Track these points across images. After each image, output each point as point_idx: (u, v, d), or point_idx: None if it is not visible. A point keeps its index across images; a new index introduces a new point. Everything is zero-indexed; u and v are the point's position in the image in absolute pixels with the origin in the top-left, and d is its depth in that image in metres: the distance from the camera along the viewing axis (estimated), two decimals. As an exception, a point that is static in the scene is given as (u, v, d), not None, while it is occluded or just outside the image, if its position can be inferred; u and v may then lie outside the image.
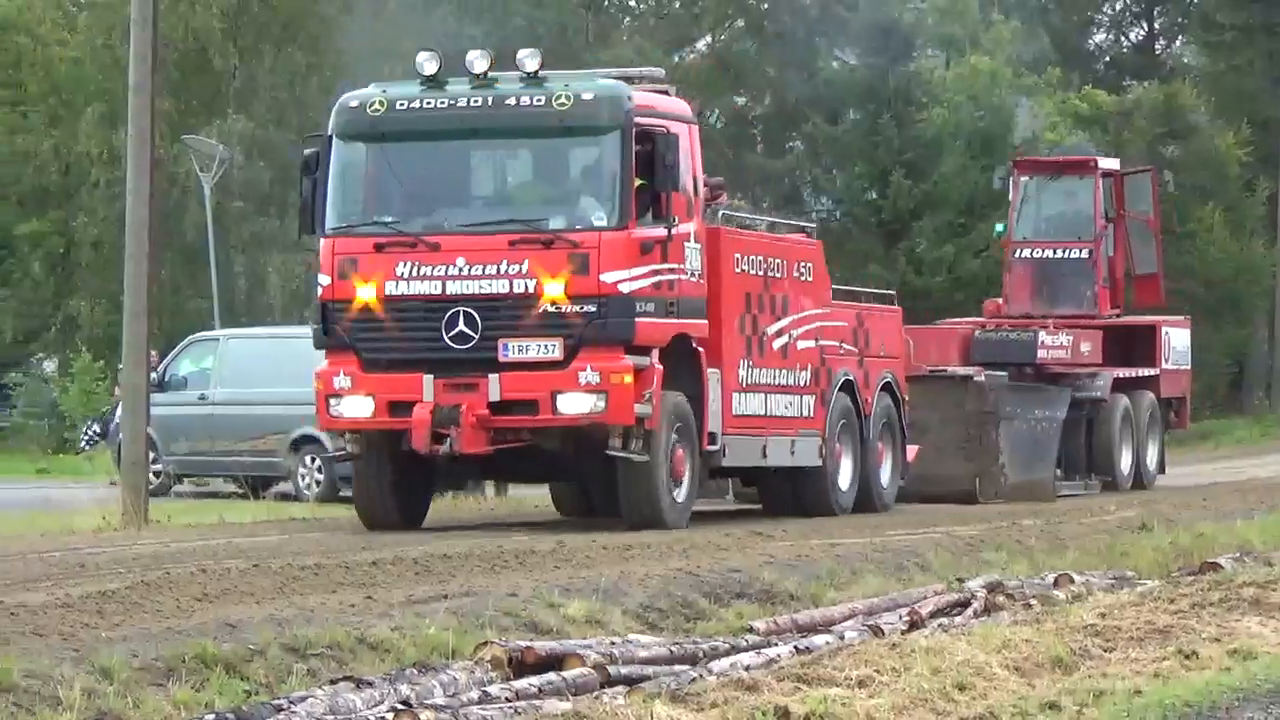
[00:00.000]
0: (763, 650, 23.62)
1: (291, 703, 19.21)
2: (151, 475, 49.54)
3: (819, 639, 24.58)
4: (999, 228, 56.67)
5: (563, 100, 32.04)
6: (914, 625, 25.81)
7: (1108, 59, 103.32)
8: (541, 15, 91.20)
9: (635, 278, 32.25)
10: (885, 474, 40.61)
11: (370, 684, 20.33)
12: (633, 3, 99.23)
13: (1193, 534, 36.54)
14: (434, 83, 32.86)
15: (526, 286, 31.60)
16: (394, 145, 33.00)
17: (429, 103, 32.74)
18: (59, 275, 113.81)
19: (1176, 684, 22.68)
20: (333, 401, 32.52)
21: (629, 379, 31.54)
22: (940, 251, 79.34)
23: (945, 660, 22.80)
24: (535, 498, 43.40)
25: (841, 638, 24.73)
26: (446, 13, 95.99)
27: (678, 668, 22.27)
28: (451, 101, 32.61)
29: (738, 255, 36.18)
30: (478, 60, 32.67)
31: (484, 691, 20.50)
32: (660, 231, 32.64)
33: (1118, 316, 50.84)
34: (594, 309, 31.44)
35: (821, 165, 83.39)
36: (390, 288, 31.93)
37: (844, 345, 39.38)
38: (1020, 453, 43.24)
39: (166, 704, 20.49)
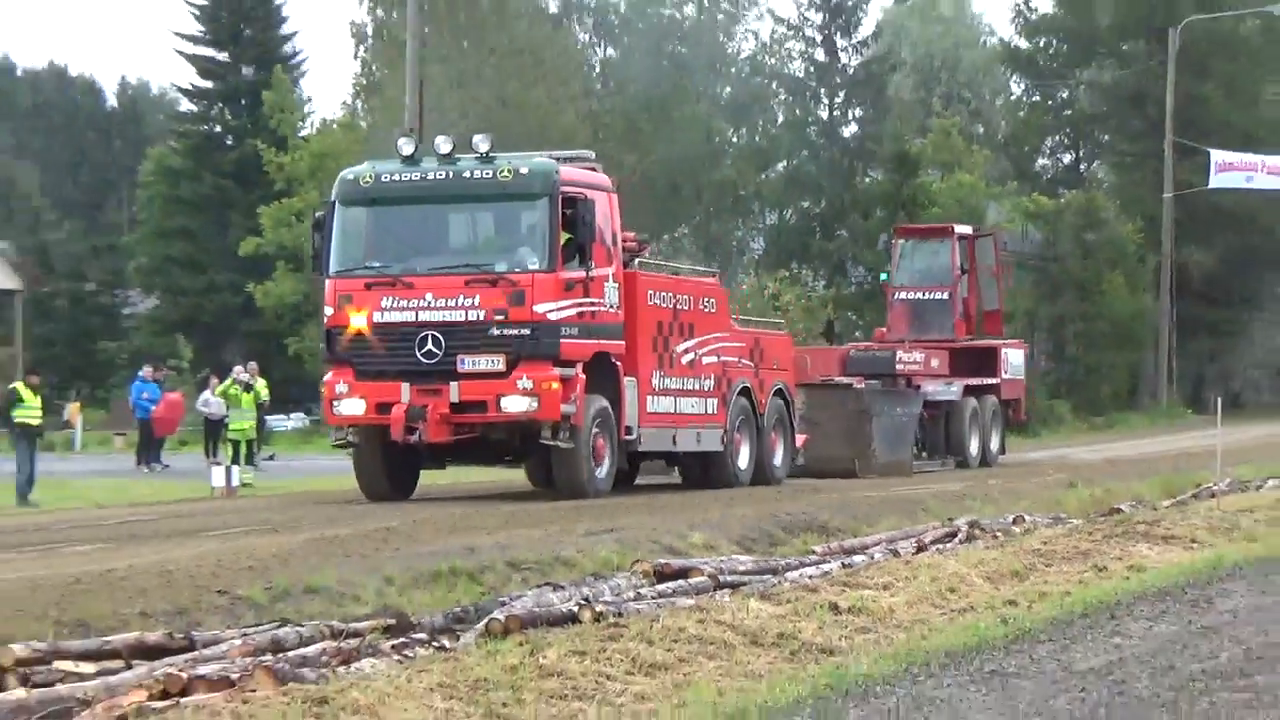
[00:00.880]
0: (820, 565, 23.72)
1: (511, 600, 19.37)
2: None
3: (857, 558, 24.69)
4: (884, 275, 56.14)
5: (505, 174, 31.77)
6: (920, 549, 25.79)
7: (1048, 176, 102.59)
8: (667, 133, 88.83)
9: (561, 309, 31.68)
10: (778, 457, 39.71)
11: (562, 587, 20.49)
12: (734, 138, 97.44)
13: (1103, 489, 36.48)
14: (410, 160, 32.66)
15: (478, 315, 31.42)
16: (379, 209, 32.84)
17: (405, 176, 32.57)
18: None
19: (1093, 588, 22.84)
20: (335, 403, 32.35)
21: (556, 385, 31.13)
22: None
23: (940, 572, 22.95)
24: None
25: (872, 557, 24.80)
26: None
27: (764, 576, 22.34)
28: (422, 175, 32.43)
29: (650, 292, 35.36)
30: (443, 143, 32.47)
31: (638, 592, 20.69)
32: (581, 273, 32.09)
33: (970, 341, 50.06)
34: (529, 332, 31.16)
35: (858, 245, 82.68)
36: (377, 316, 31.86)
37: (742, 360, 38.28)
38: (886, 440, 42.63)
39: (429, 600, 20.62)
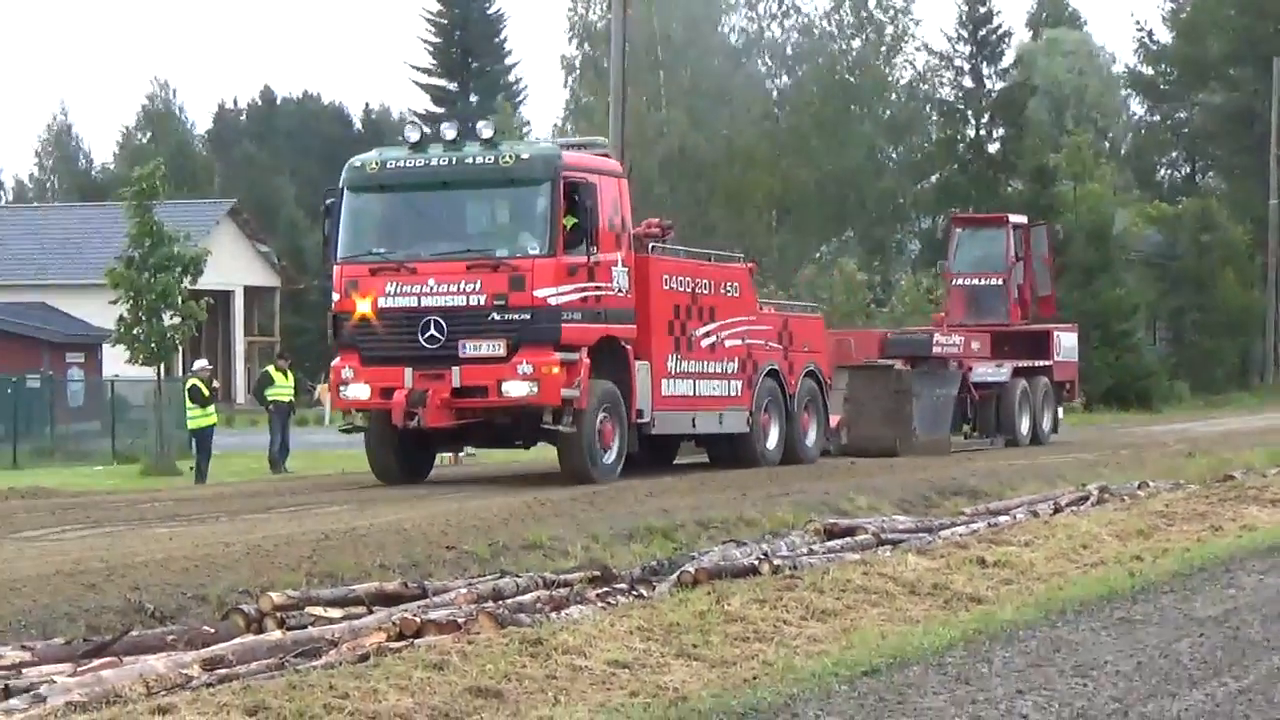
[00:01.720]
0: (969, 525, 23.56)
1: (700, 554, 19.33)
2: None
3: (1001, 519, 24.49)
4: (942, 263, 53.60)
5: (507, 159, 28.67)
6: (1056, 511, 25.54)
7: (1167, 185, 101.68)
8: (837, 150, 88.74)
9: (562, 293, 28.16)
10: (810, 437, 35.74)
11: (744, 544, 20.45)
12: (894, 154, 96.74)
13: (1218, 459, 35.73)
14: (417, 147, 29.54)
15: (479, 300, 28.08)
16: (385, 195, 29.72)
17: (411, 162, 29.40)
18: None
19: (1210, 545, 22.51)
20: (342, 387, 29.19)
21: (557, 370, 27.73)
22: (1076, 295, 77.56)
23: (1074, 531, 22.73)
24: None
25: (1014, 518, 24.58)
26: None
27: (920, 535, 22.24)
28: (426, 161, 29.27)
29: (665, 276, 31.58)
30: (448, 130, 29.73)
31: (810, 548, 20.62)
32: (584, 258, 28.53)
33: (1024, 325, 47.34)
34: (529, 317, 27.90)
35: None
36: (381, 302, 28.66)
37: (770, 343, 34.38)
38: (926, 419, 39.60)
39: (629, 555, 20.59)
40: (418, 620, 14.66)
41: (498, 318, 27.88)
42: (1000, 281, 46.55)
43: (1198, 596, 18.23)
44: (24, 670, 12.81)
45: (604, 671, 13.45)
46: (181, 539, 21.70)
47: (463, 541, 20.87)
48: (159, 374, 47.57)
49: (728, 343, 33.01)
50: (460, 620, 14.80)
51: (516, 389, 27.78)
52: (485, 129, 29.24)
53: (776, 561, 18.71)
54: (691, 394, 32.09)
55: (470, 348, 27.91)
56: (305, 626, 14.81)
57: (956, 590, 18.01)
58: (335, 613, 15.54)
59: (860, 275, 74.68)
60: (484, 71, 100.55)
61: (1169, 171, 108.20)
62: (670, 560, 19.25)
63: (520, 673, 13.05)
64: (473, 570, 18.81)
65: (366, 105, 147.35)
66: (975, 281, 47.29)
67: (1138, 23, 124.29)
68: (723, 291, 33.38)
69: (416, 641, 13.97)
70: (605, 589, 17.26)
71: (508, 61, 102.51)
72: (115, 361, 55.31)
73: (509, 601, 16.08)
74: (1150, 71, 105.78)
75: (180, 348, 51.32)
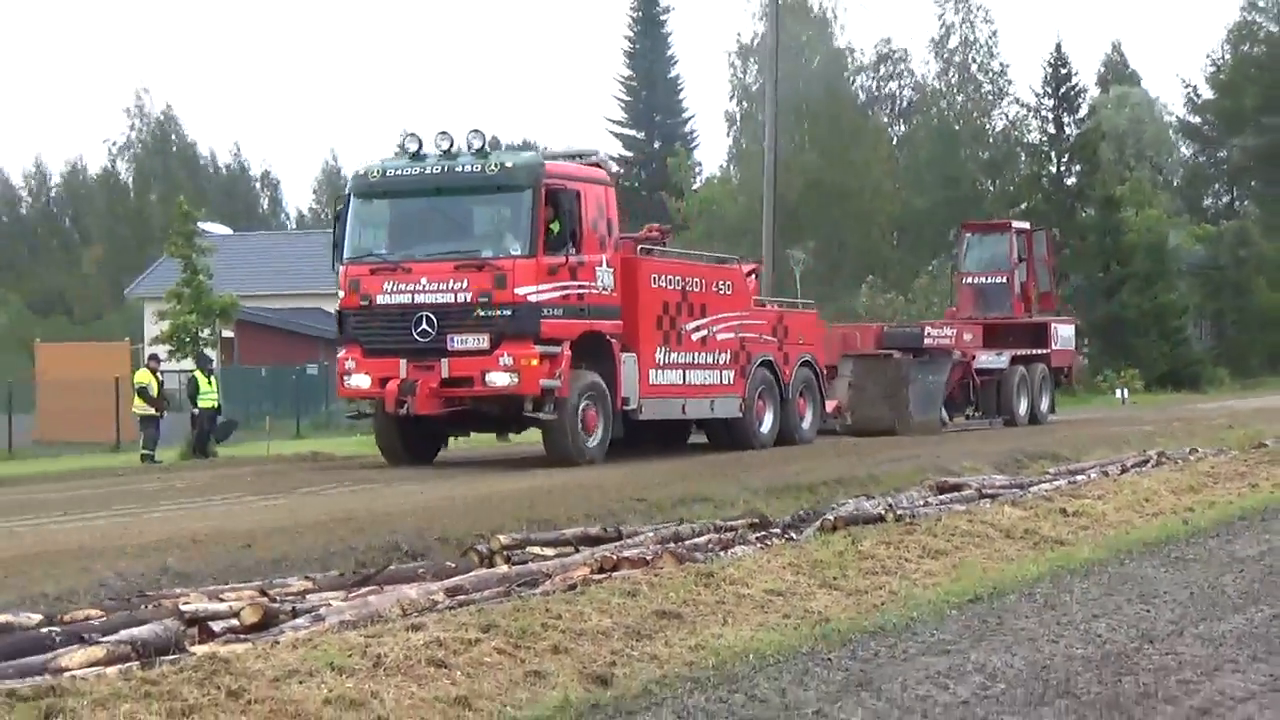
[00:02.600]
0: (1053, 482, 23.23)
1: (837, 506, 19.20)
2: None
3: (1079, 478, 24.05)
4: (950, 264, 49.47)
5: (493, 167, 26.00)
6: (1123, 471, 25.08)
7: (1212, 210, 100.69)
8: (944, 184, 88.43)
9: (542, 291, 25.66)
10: (806, 421, 32.96)
11: (872, 497, 20.29)
12: (991, 187, 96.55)
13: (1254, 429, 34.84)
14: (416, 157, 26.73)
15: (466, 297, 25.62)
16: (386, 201, 27.03)
17: (409, 171, 26.69)
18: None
19: (1249, 499, 22.24)
20: (345, 377, 26.79)
21: (535, 361, 25.33)
22: (1138, 299, 76.66)
23: (1138, 487, 22.46)
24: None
25: (1089, 477, 24.18)
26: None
27: (1014, 490, 21.94)
28: (423, 170, 26.56)
29: (654, 275, 28.77)
30: (441, 140, 26.64)
31: (925, 501, 20.40)
32: (563, 259, 26.02)
33: (1025, 318, 43.73)
34: (510, 313, 25.38)
35: (1079, 260, 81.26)
36: (380, 299, 26.29)
37: (763, 336, 31.55)
38: (919, 402, 36.69)
39: (780, 506, 20.50)
40: (614, 558, 14.68)
41: (482, 313, 25.52)
42: (1004, 280, 43.78)
43: (1239, 540, 18.11)
44: (307, 596, 12.95)
45: (762, 598, 13.48)
46: (428, 493, 21.90)
47: (649, 494, 20.91)
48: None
49: (720, 336, 30.32)
50: (648, 558, 14.83)
51: (498, 379, 25.42)
52: (475, 139, 26.45)
53: (899, 511, 18.62)
54: (681, 382, 29.37)
55: (457, 341, 25.65)
56: (526, 562, 14.87)
57: (1043, 534, 17.93)
58: (549, 551, 15.59)
59: None
60: (665, 123, 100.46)
61: (1213, 200, 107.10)
62: (814, 510, 19.17)
63: (696, 599, 13.08)
64: (657, 518, 18.81)
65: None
66: (982, 280, 44.33)
67: (1185, 81, 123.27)
68: (715, 289, 30.56)
69: (613, 574, 13.99)
70: (762, 533, 17.23)
71: (684, 115, 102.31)
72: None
73: (686, 543, 16.07)
74: (1196, 120, 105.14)
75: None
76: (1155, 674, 10.94)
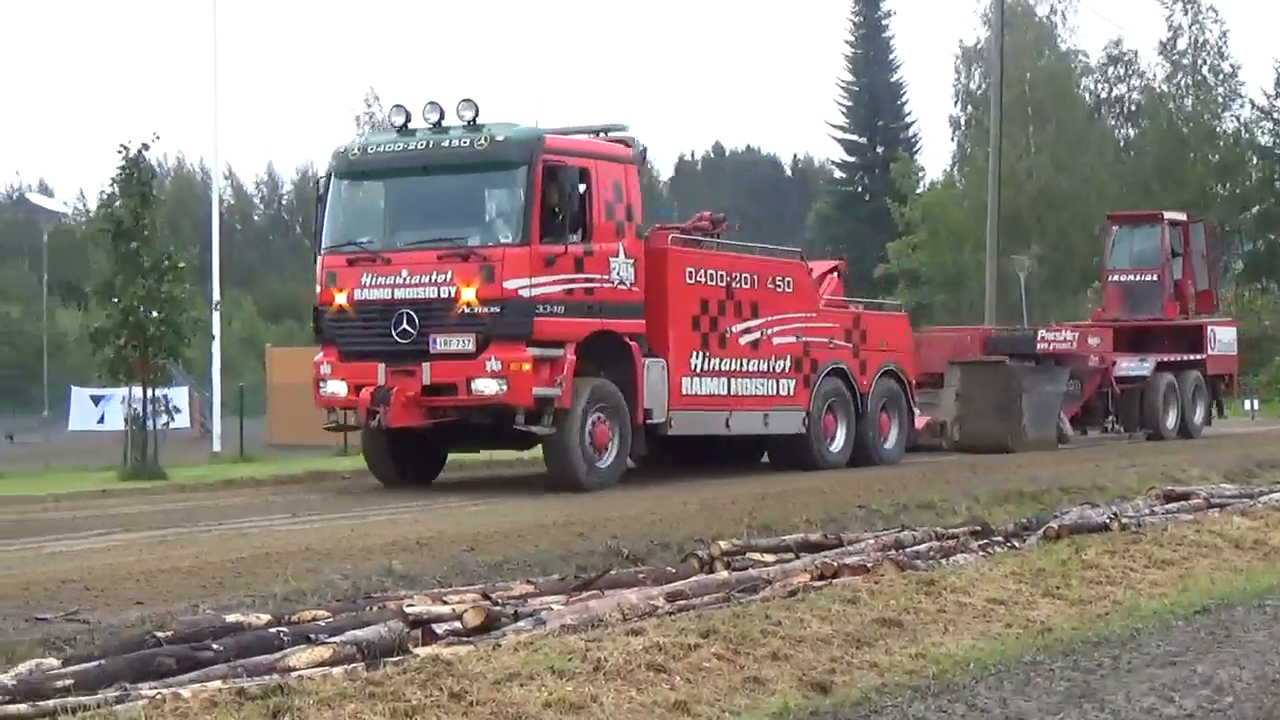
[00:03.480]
0: (1284, 492, 22.84)
1: (1061, 513, 19.02)
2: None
3: None
4: (1099, 260, 45.20)
5: (482, 142, 22.51)
6: None
7: None
8: (1174, 189, 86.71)
9: (537, 285, 22.05)
10: (891, 439, 28.96)
11: (1097, 505, 20.05)
12: (1222, 190, 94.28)
13: None
14: (403, 131, 23.37)
15: (449, 292, 22.01)
16: (366, 182, 23.79)
17: (391, 147, 23.38)
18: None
19: None
20: (321, 384, 23.30)
21: (527, 367, 21.78)
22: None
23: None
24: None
25: None
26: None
27: (1243, 500, 21.52)
28: (406, 146, 23.22)
29: (690, 269, 24.97)
30: (429, 111, 23.13)
31: (1151, 510, 20.12)
32: (564, 247, 22.61)
33: (1180, 320, 39.74)
34: (498, 309, 21.82)
35: None
36: (358, 294, 22.80)
37: (834, 341, 27.60)
38: (1035, 415, 32.82)
39: (1003, 514, 20.34)
40: (835, 564, 14.65)
41: (467, 310, 22.11)
42: (1155, 277, 39.91)
43: None
44: (529, 600, 13.04)
45: (984, 607, 13.39)
46: (645, 501, 21.95)
47: (870, 501, 20.88)
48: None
49: (777, 340, 26.44)
50: (869, 565, 14.77)
51: (485, 387, 21.98)
52: (465, 109, 23.01)
53: (1124, 520, 18.38)
54: (724, 393, 25.52)
55: (440, 343, 22.24)
56: (746, 568, 14.87)
57: (1274, 545, 17.58)
58: (769, 557, 15.58)
59: None
60: (888, 128, 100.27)
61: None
62: (1037, 518, 18.98)
63: (917, 607, 13.02)
64: (879, 524, 18.77)
65: (794, 155, 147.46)
66: (1131, 278, 40.59)
67: None
68: (771, 286, 26.67)
69: (834, 581, 13.96)
70: (985, 541, 17.11)
71: (906, 120, 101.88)
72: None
73: (907, 550, 15.99)
74: None
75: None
76: (1389, 690, 10.71)
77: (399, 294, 22.44)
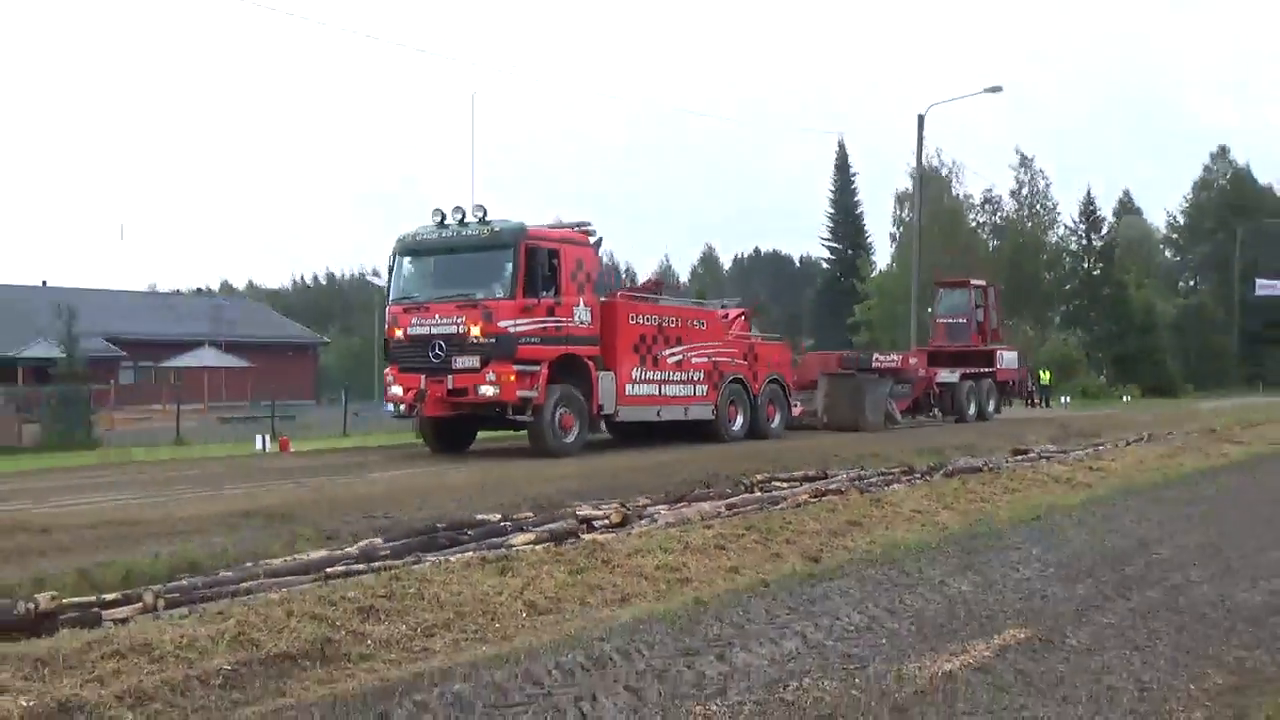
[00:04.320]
0: (1084, 450, 22.17)
1: (954, 462, 18.62)
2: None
3: (1100, 447, 22.75)
4: (930, 310, 40.32)
5: (486, 232, 21.09)
6: (1127, 444, 23.60)
7: (1182, 288, 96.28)
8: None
9: (519, 325, 20.52)
10: (775, 421, 26.24)
11: (974, 456, 19.57)
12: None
13: (1205, 425, 32.16)
14: (440, 224, 21.56)
15: (464, 329, 20.61)
16: (417, 257, 21.92)
17: (432, 235, 21.67)
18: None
19: (1203, 463, 21.08)
20: (389, 388, 21.50)
21: (513, 378, 20.31)
22: (1137, 342, 73.26)
23: (1136, 454, 21.39)
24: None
25: (1105, 446, 22.93)
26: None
27: (1060, 454, 20.88)
28: (440, 234, 21.62)
29: (631, 315, 23.07)
30: (455, 214, 21.45)
31: (1006, 460, 19.58)
32: (535, 300, 20.75)
33: (983, 346, 36.43)
34: (494, 340, 20.39)
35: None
36: (410, 330, 21.24)
37: (735, 360, 25.27)
38: (872, 407, 29.60)
39: (920, 459, 19.74)
40: (822, 489, 14.51)
41: (474, 341, 20.61)
42: (964, 320, 37.16)
43: (1199, 487, 17.19)
44: (647, 508, 13.05)
45: (909, 514, 13.22)
46: (711, 450, 21.76)
47: (843, 452, 20.61)
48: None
49: (694, 360, 24.32)
50: (842, 489, 14.60)
51: (486, 391, 20.43)
52: (479, 212, 21.42)
53: (990, 465, 18.11)
54: (657, 394, 23.43)
55: (459, 362, 20.74)
56: (771, 490, 14.77)
57: (1079, 480, 17.20)
58: (784, 484, 15.48)
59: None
60: (854, 239, 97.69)
61: (1183, 282, 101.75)
62: (940, 463, 18.69)
63: (870, 513, 12.89)
64: (846, 465, 18.56)
65: (800, 254, 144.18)
66: (950, 320, 37.61)
67: (1168, 212, 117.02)
68: (691, 325, 24.48)
69: (822, 498, 13.81)
70: (910, 476, 16.84)
71: (865, 235, 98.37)
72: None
73: (864, 480, 15.82)
74: (1174, 236, 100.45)
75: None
76: (1145, 566, 10.54)
77: (434, 330, 21.01)
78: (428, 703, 6.31)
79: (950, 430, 29.26)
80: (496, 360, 20.47)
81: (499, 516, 11.92)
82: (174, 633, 6.90)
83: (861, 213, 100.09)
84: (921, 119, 48.25)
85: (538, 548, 10.06)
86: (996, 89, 48.45)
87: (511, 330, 20.58)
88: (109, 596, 8.06)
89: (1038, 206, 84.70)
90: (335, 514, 12.48)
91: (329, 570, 9.11)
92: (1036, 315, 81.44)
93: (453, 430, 22.39)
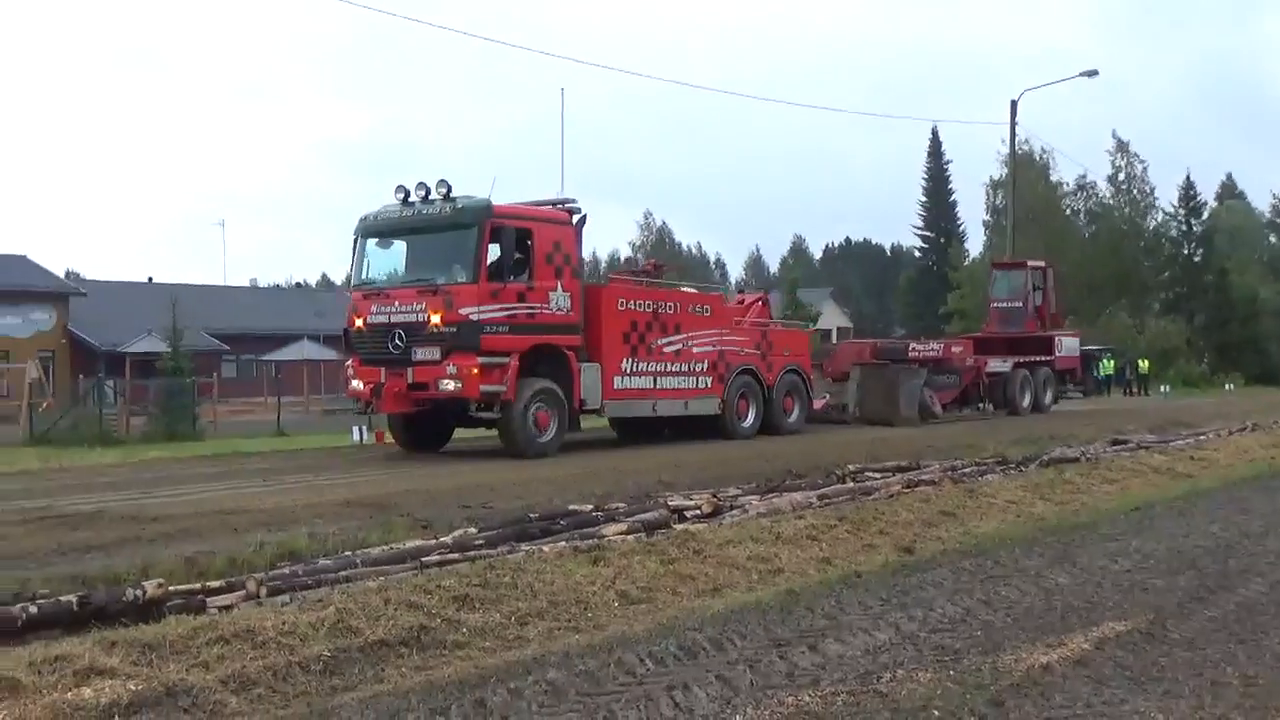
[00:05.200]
0: (1186, 439, 21.50)
1: (1050, 451, 18.26)
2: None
3: (1202, 437, 21.95)
4: (989, 291, 36.97)
5: (448, 210, 18.80)
6: (1230, 434, 22.92)
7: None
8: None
9: (484, 312, 18.27)
10: (793, 415, 23.86)
11: (1071, 446, 19.19)
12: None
13: (1245, 412, 30.20)
14: (404, 202, 19.18)
15: (424, 317, 18.37)
16: (377, 238, 19.69)
17: (394, 214, 19.35)
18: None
19: (1250, 457, 20.54)
20: (349, 381, 19.57)
21: (475, 370, 18.10)
22: (1240, 329, 71.30)
23: (1240, 443, 20.87)
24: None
25: (1208, 436, 22.13)
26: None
27: (1161, 443, 20.28)
28: (402, 213, 19.33)
29: (621, 300, 20.78)
30: (418, 190, 19.00)
31: (1104, 449, 19.19)
32: (503, 284, 18.56)
33: (1038, 332, 33.83)
34: (456, 330, 18.18)
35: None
36: (369, 319, 19.01)
37: (744, 349, 22.87)
38: (906, 400, 27.18)
39: (1015, 451, 19.49)
40: (915, 479, 14.37)
41: (435, 330, 18.48)
42: (1020, 303, 34.68)
43: (1306, 477, 16.78)
44: (739, 498, 13.02)
45: (1004, 504, 13.07)
46: (807, 442, 21.64)
47: (937, 444, 20.38)
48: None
49: (696, 349, 21.91)
50: (935, 479, 14.42)
51: (448, 385, 18.35)
52: (442, 188, 19.13)
53: (1088, 456, 17.77)
54: (651, 387, 21.11)
55: (420, 353, 18.62)
56: (863, 480, 14.65)
57: (1180, 471, 16.86)
58: (877, 475, 15.32)
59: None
60: (947, 228, 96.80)
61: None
62: (1036, 454, 18.38)
63: (964, 504, 12.75)
64: (940, 456, 18.34)
65: (892, 243, 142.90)
66: (1005, 304, 35.15)
67: (1274, 195, 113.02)
68: (691, 311, 22.13)
69: (915, 489, 13.67)
70: (1004, 466, 16.57)
71: (957, 223, 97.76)
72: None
73: (958, 471, 15.61)
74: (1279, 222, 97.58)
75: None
76: (1250, 558, 10.27)
77: (393, 318, 18.90)
78: (522, 690, 6.36)
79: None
80: (459, 351, 18.42)
81: (591, 506, 11.98)
82: (276, 619, 7.04)
83: (955, 200, 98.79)
84: (1014, 104, 47.42)
85: (629, 538, 10.09)
86: (1092, 73, 47.49)
87: (475, 318, 18.40)
88: (213, 584, 8.20)
89: (1135, 192, 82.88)
90: (431, 504, 12.64)
91: (425, 559, 9.22)
92: (1134, 303, 79.72)
93: (424, 427, 20.38)
